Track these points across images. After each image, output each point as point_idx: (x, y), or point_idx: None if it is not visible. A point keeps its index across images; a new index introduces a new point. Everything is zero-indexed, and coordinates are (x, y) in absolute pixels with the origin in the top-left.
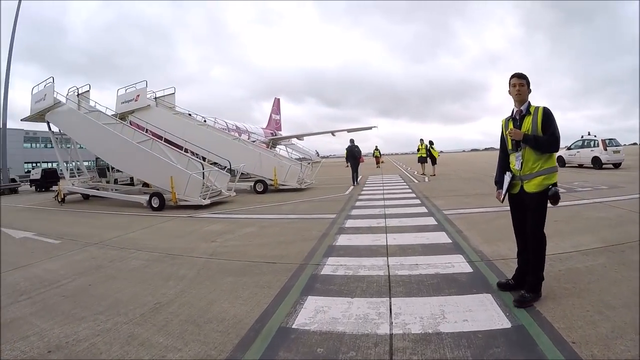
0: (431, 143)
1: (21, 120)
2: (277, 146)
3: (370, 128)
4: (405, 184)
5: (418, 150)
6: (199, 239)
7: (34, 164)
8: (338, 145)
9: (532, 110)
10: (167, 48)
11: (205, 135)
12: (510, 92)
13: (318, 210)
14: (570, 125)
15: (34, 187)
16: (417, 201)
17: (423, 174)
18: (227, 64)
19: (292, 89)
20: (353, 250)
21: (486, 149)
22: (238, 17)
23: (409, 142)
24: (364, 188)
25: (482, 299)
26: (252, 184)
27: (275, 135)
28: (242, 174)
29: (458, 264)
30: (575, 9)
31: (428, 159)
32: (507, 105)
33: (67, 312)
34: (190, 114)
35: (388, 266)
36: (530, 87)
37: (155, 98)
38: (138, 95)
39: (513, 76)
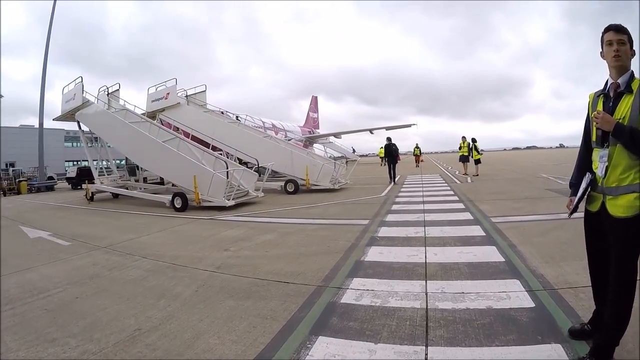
0: (474, 141)
1: (53, 119)
2: (314, 144)
3: (409, 126)
4: (446, 184)
5: (460, 148)
6: (211, 246)
7: (74, 163)
8: (376, 144)
9: (634, 86)
10: (204, 49)
11: (235, 133)
12: (603, 55)
13: (350, 214)
14: None
15: (70, 185)
16: (461, 205)
17: (465, 173)
18: (264, 64)
19: (331, 87)
20: (384, 268)
21: (528, 148)
22: (273, 16)
23: (449, 141)
24: (402, 189)
25: (549, 352)
26: (282, 183)
27: (313, 133)
28: (274, 173)
29: (515, 295)
30: None
31: (470, 158)
32: (550, 103)
33: (40, 331)
34: (222, 112)
35: (426, 294)
36: (635, 49)
37: (187, 96)
38: (168, 94)
39: (608, 29)
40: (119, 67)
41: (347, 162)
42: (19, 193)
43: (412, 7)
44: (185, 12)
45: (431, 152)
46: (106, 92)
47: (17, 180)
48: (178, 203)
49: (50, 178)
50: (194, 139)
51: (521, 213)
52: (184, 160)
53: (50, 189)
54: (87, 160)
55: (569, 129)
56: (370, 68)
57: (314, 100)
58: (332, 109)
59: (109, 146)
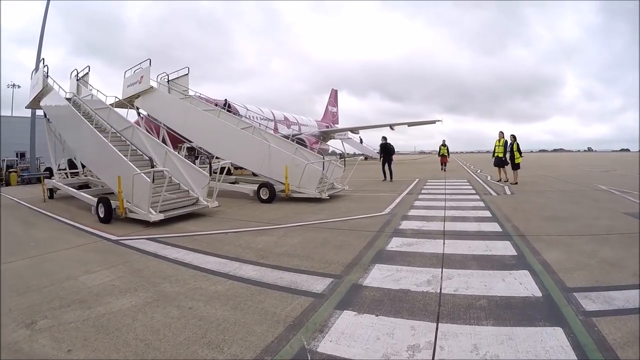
0: (514, 138)
1: (25, 107)
2: (332, 140)
3: (433, 122)
4: (477, 196)
5: (495, 147)
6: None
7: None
8: (401, 142)
9: None
10: (223, 40)
11: (208, 122)
12: None
13: (311, 257)
14: None
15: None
16: (507, 246)
17: (500, 180)
18: (286, 57)
19: (354, 82)
20: None
21: (555, 150)
22: (292, 6)
23: (475, 141)
24: (416, 202)
25: None
26: (256, 187)
27: (331, 128)
28: (253, 174)
29: None
30: None
31: (508, 160)
32: (581, 104)
33: None
34: (201, 97)
35: None
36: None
37: (168, 81)
38: (142, 77)
39: None
40: (139, 58)
41: (366, 158)
42: (8, 184)
43: None
44: (201, 3)
45: (457, 152)
46: (76, 77)
47: (7, 171)
48: (102, 212)
49: (48, 169)
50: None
51: (625, 274)
52: (111, 155)
53: (40, 180)
54: None
55: (598, 132)
56: (395, 62)
57: (334, 94)
58: (355, 105)
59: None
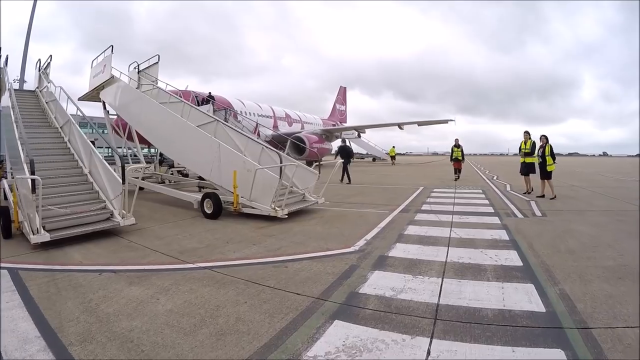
0: (546, 139)
1: (79, 99)
2: (339, 139)
3: (445, 122)
4: (495, 218)
5: (520, 150)
6: None
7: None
8: (414, 142)
9: None
10: (234, 35)
11: (160, 117)
12: None
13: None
14: None
15: None
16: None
17: (527, 192)
18: (298, 52)
19: (367, 80)
20: None
21: (570, 154)
22: (304, 1)
23: (489, 143)
24: (409, 229)
25: None
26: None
27: (336, 126)
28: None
29: None
30: None
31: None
32: (598, 106)
33: None
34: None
35: None
36: None
37: (139, 71)
38: (105, 65)
39: None
40: (148, 53)
41: (374, 159)
42: None
43: None
44: None
45: (470, 154)
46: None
47: None
48: None
49: None
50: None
51: None
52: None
53: None
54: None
55: (615, 136)
56: (409, 59)
57: (342, 92)
58: (368, 104)
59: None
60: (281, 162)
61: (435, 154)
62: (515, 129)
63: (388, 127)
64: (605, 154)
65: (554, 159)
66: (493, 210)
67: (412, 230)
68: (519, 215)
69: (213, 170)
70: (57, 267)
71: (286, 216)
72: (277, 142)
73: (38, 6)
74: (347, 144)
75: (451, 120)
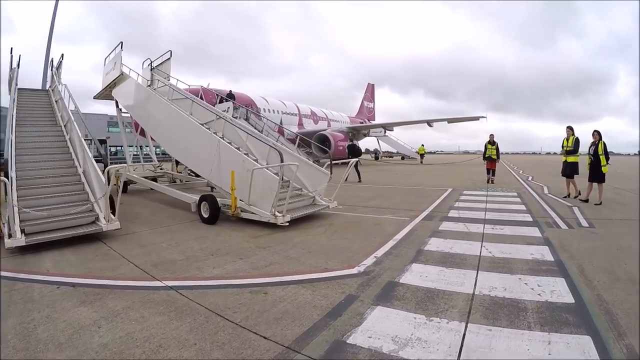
0: (599, 136)
1: (94, 97)
2: (367, 137)
3: (476, 118)
4: (534, 229)
5: (562, 148)
6: None
7: (117, 148)
8: (444, 141)
9: None
10: (259, 35)
11: (165, 114)
12: None
13: None
14: None
15: None
16: None
17: (568, 195)
18: (325, 51)
19: (396, 78)
20: None
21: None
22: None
23: (521, 141)
24: (431, 243)
25: None
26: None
27: (363, 124)
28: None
29: None
30: None
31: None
32: (633, 104)
33: None
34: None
35: None
36: None
37: (152, 68)
38: (115, 63)
39: None
40: (176, 54)
41: (402, 158)
42: None
43: None
44: None
45: (502, 153)
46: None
47: None
48: None
49: None
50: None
51: None
52: None
53: None
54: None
55: None
56: (438, 57)
57: (370, 89)
58: (397, 102)
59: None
60: (282, 162)
61: (466, 152)
62: (548, 127)
63: (417, 125)
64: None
65: (607, 158)
66: (531, 219)
67: (434, 244)
68: (563, 225)
69: (213, 170)
70: (21, 275)
71: (287, 224)
72: (302, 140)
73: (66, 9)
74: (354, 143)
75: (482, 117)
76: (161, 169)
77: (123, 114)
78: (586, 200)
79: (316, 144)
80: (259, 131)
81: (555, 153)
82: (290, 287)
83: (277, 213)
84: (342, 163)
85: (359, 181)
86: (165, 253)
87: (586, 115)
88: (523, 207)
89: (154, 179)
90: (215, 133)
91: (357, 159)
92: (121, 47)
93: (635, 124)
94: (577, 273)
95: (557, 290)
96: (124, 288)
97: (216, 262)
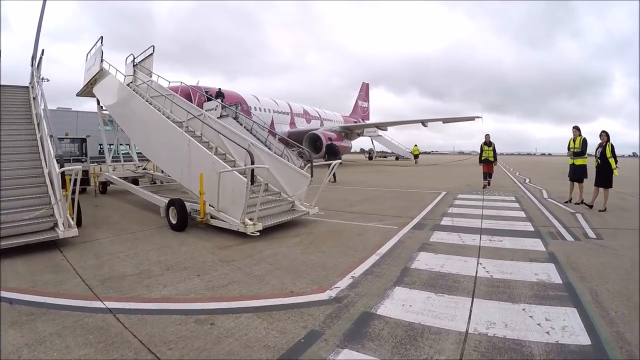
0: (607, 137)
1: (77, 94)
2: (358, 137)
3: (472, 119)
4: (538, 240)
5: (569, 149)
6: None
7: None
8: (439, 141)
9: None
10: (256, 33)
11: (139, 111)
12: None
13: None
14: None
15: None
16: None
17: (570, 200)
18: (322, 50)
19: (392, 77)
20: None
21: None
22: None
23: (517, 142)
24: (420, 258)
25: None
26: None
27: (357, 123)
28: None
29: None
30: None
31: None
32: (629, 105)
33: None
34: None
35: None
36: None
37: (135, 64)
38: (96, 59)
39: None
40: (171, 52)
41: (397, 158)
42: None
43: None
44: None
45: (497, 154)
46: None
47: None
48: None
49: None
50: None
51: None
52: None
53: None
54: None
55: None
56: (434, 56)
57: (365, 88)
58: (393, 101)
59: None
60: (252, 163)
61: (462, 153)
62: (544, 128)
63: (412, 125)
64: (635, 155)
65: (616, 161)
66: (533, 228)
67: (423, 260)
68: (568, 236)
69: (184, 172)
70: None
71: (257, 233)
72: (294, 139)
73: (62, 7)
74: (337, 144)
75: (478, 117)
76: (144, 169)
77: (104, 112)
78: (591, 206)
79: (295, 144)
80: (247, 130)
81: (550, 154)
82: (243, 316)
83: (247, 221)
84: (308, 167)
85: (334, 181)
86: (119, 266)
87: (582, 116)
88: (523, 214)
89: (135, 180)
90: (194, 132)
91: (339, 161)
92: (101, 42)
93: (631, 125)
94: (591, 301)
95: (569, 327)
96: (61, 308)
97: (169, 279)
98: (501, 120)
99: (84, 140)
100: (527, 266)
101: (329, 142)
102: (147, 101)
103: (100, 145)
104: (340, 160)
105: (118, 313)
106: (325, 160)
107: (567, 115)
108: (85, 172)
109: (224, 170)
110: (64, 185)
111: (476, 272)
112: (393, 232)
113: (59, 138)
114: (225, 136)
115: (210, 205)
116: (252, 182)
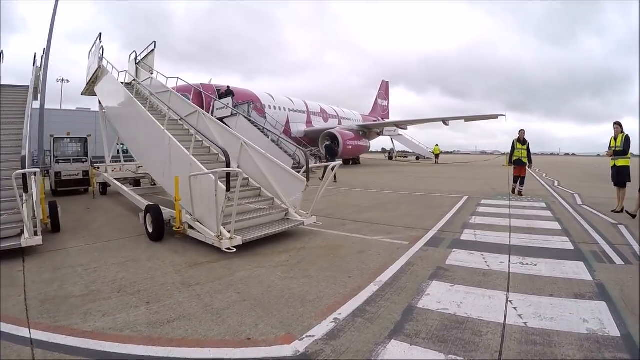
0: (620, 127)
1: (81, 94)
2: (379, 137)
3: (495, 117)
4: (579, 264)
5: (610, 148)
6: None
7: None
8: (461, 141)
9: None
10: (272, 32)
11: (128, 109)
12: None
13: None
14: None
15: None
16: None
17: (620, 210)
18: (340, 49)
19: (412, 76)
20: None
21: None
22: None
23: (540, 142)
24: (435, 284)
25: None
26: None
27: (376, 122)
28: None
29: None
30: None
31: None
32: None
33: None
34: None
35: None
36: None
37: (137, 62)
38: (95, 56)
39: None
40: (188, 52)
41: (417, 158)
42: None
43: None
44: None
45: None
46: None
47: None
48: None
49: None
50: None
51: None
52: None
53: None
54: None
55: None
56: (454, 54)
57: (384, 86)
58: (413, 100)
59: None
60: (228, 165)
61: (484, 152)
62: (566, 127)
63: (433, 125)
64: None
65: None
66: (572, 246)
67: (435, 295)
68: (615, 257)
69: (165, 174)
70: None
71: (234, 249)
72: (311, 138)
73: (80, 9)
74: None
75: (502, 115)
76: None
77: (104, 111)
78: (634, 216)
79: (328, 141)
80: (259, 129)
81: (574, 154)
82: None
83: (224, 233)
84: (304, 171)
85: (335, 181)
86: (70, 283)
87: (605, 115)
88: (557, 226)
89: (137, 181)
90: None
91: (339, 162)
92: (99, 39)
93: None
94: None
95: None
96: None
97: (112, 306)
98: (522, 120)
99: (85, 140)
100: (572, 306)
101: (328, 143)
102: (145, 99)
103: (121, 144)
104: (340, 162)
105: (38, 347)
106: (326, 161)
107: (590, 114)
108: (86, 173)
109: (193, 174)
110: (26, 189)
111: (505, 317)
112: (402, 250)
113: (58, 138)
114: (203, 134)
115: (187, 213)
116: (229, 187)
